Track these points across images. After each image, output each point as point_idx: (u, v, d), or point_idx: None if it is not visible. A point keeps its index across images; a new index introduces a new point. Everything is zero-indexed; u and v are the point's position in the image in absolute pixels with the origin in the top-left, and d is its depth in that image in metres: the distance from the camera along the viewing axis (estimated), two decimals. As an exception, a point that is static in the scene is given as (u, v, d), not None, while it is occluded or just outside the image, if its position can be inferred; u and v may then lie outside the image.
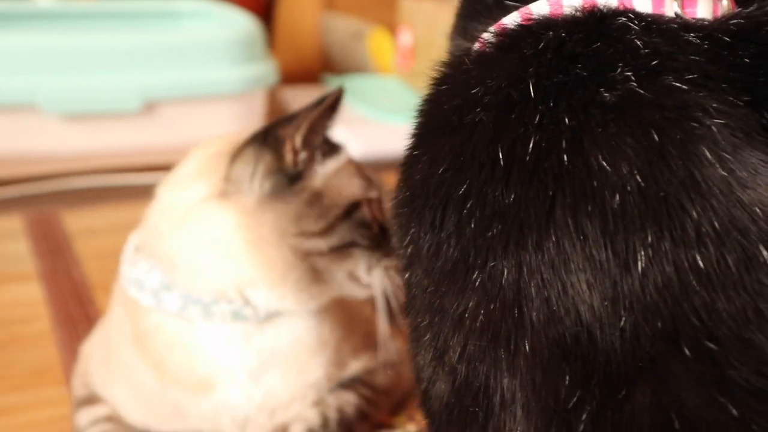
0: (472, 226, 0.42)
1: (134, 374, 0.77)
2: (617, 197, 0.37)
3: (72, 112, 1.67)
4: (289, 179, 0.71)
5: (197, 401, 0.75)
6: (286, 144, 0.72)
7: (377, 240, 0.74)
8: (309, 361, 0.77)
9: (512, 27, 0.46)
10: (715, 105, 0.38)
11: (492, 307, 0.40)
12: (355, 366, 0.80)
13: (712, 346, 0.35)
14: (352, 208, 0.73)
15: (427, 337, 0.45)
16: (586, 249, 0.38)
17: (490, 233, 0.41)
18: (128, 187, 1.59)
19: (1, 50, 1.67)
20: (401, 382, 0.84)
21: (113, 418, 0.78)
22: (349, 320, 0.80)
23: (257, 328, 0.74)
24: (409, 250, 0.47)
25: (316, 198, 0.72)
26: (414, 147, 0.48)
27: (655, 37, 0.40)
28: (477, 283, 0.41)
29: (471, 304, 0.41)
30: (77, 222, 1.41)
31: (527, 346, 0.39)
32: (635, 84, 0.39)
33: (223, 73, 1.73)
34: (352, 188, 0.74)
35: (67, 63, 1.69)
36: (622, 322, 0.37)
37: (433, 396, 0.46)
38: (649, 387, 0.36)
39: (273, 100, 1.98)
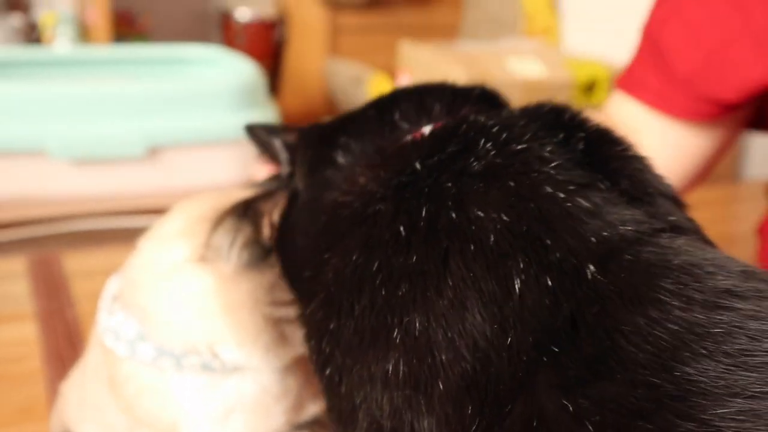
0: (383, 293, 0.48)
1: (107, 416, 0.80)
2: (492, 237, 0.45)
3: (79, 157, 1.74)
4: (265, 252, 0.75)
5: None
6: (264, 219, 0.76)
7: None
8: (273, 408, 0.80)
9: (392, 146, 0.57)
10: (547, 154, 0.50)
11: (411, 357, 0.45)
12: (313, 409, 0.83)
13: (555, 349, 0.41)
14: None
15: (360, 413, 0.50)
16: (476, 285, 0.45)
17: (400, 292, 0.47)
18: (129, 230, 1.64)
19: (16, 98, 1.76)
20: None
21: (85, 455, 0.81)
22: (308, 367, 0.83)
23: (223, 378, 0.78)
24: (327, 348, 0.52)
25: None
26: (322, 252, 0.55)
27: (499, 121, 0.54)
28: (397, 340, 0.46)
29: (394, 360, 0.46)
30: (76, 263, 1.46)
31: (441, 386, 0.44)
32: (494, 153, 0.50)
33: (224, 119, 1.79)
34: None
35: (77, 110, 1.76)
36: (509, 340, 0.43)
37: None
38: (522, 397, 0.41)
39: (275, 144, 2.03)
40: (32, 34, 2.43)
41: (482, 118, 0.54)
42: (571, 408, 0.39)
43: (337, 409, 0.53)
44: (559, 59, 2.19)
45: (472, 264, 0.45)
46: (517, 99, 0.97)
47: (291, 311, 0.75)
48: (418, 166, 0.51)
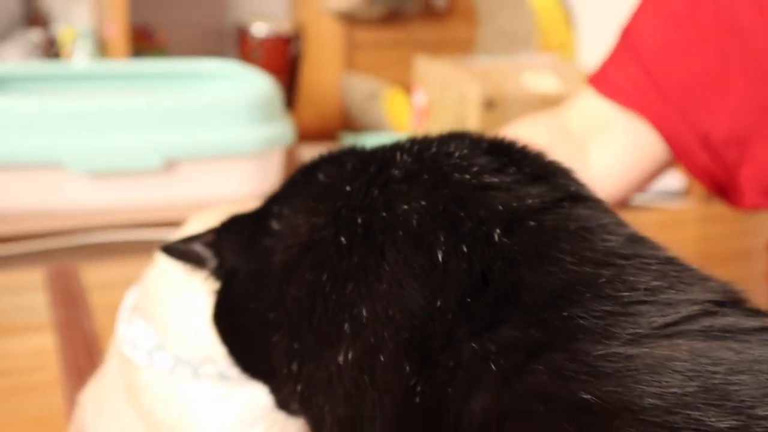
0: (334, 297, 0.55)
1: (125, 425, 0.81)
2: (414, 222, 0.53)
3: (97, 170, 1.76)
4: None
5: None
6: None
7: None
8: (289, 418, 0.80)
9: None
10: (453, 149, 0.58)
11: (357, 343, 0.52)
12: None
13: (468, 300, 0.49)
14: None
15: (326, 414, 0.57)
16: (408, 264, 0.52)
17: (348, 291, 0.54)
18: (145, 242, 1.66)
19: (34, 112, 1.77)
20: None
21: (103, 464, 0.82)
22: None
23: (240, 387, 0.78)
24: (295, 366, 0.59)
25: None
26: (281, 285, 0.62)
27: (410, 140, 0.63)
28: (348, 332, 0.53)
29: (343, 351, 0.53)
30: (94, 275, 1.47)
31: (382, 358, 0.51)
32: (410, 161, 0.59)
33: (241, 133, 1.80)
34: None
35: (94, 123, 1.78)
36: (438, 304, 0.49)
37: None
38: (449, 349, 0.48)
39: (291, 159, 2.05)
40: (51, 49, 2.46)
41: (395, 144, 0.64)
42: (478, 351, 0.46)
43: (313, 425, 0.60)
44: (575, 74, 2.19)
45: (403, 248, 0.52)
46: (533, 114, 0.97)
47: None
48: (348, 188, 0.59)
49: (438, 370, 0.47)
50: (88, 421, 0.85)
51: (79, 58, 2.37)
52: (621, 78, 0.91)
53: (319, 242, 0.59)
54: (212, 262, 0.73)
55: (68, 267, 1.50)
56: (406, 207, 0.54)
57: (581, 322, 0.44)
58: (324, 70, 2.65)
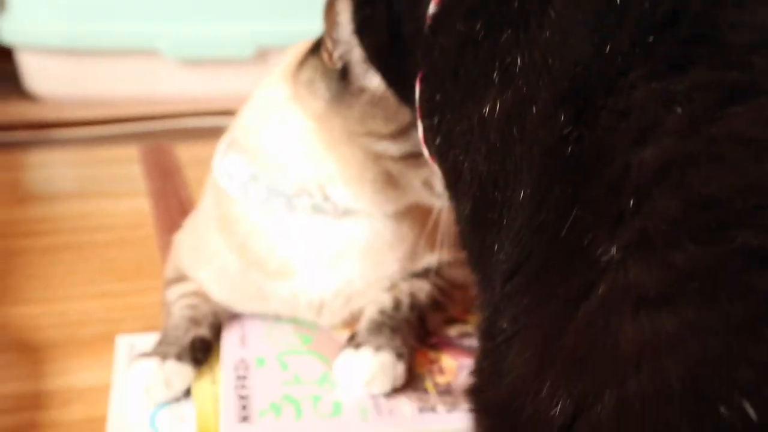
0: (486, 45, 0.50)
1: (219, 258, 0.81)
2: None
3: (190, 57, 1.77)
4: (342, 80, 0.72)
5: (276, 285, 0.79)
6: (324, 44, 0.72)
7: None
8: (386, 255, 0.79)
9: None
10: None
11: (507, 92, 0.48)
12: (430, 258, 0.82)
13: (650, 39, 0.42)
14: None
15: (464, 170, 0.53)
16: (579, 6, 0.46)
17: (503, 38, 0.49)
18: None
19: (129, -1, 1.79)
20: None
21: (199, 294, 0.83)
22: (426, 219, 0.82)
23: (336, 222, 0.77)
24: (436, 118, 0.55)
25: (381, 100, 0.72)
26: (429, 36, 0.57)
27: None
28: (496, 81, 0.48)
29: (491, 101, 0.49)
30: (188, 153, 1.49)
31: (533, 109, 0.46)
32: None
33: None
34: None
35: (189, 11, 1.78)
36: (607, 48, 0.43)
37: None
38: (613, 94, 0.42)
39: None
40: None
41: None
42: (659, 92, 0.40)
43: (447, 179, 0.56)
44: None
45: None
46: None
47: (392, 147, 0.73)
48: None
49: (600, 116, 0.43)
50: (184, 258, 0.86)
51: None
52: None
53: None
54: None
55: (163, 145, 1.52)
56: None
57: None
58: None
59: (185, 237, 0.88)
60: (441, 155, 0.56)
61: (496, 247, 0.48)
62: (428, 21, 0.57)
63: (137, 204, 1.23)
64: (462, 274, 0.84)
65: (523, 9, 0.48)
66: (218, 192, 0.82)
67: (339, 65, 0.71)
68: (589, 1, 0.46)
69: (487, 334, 0.49)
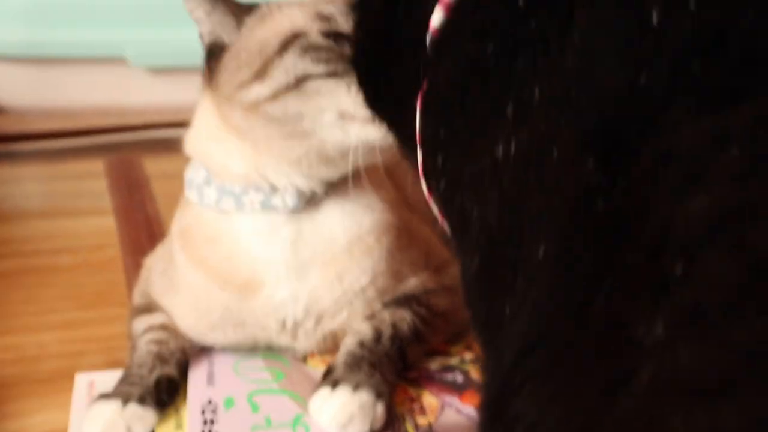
0: (498, 73, 0.43)
1: (185, 279, 0.77)
2: None
3: (158, 65, 1.71)
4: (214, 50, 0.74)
5: (245, 303, 0.75)
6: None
7: (341, 61, 0.67)
8: (348, 263, 0.74)
9: None
10: None
11: (523, 131, 0.41)
12: (413, 282, 0.78)
13: (696, 63, 0.35)
14: (290, 41, 0.68)
15: (472, 220, 0.46)
16: (605, 28, 0.39)
17: (518, 66, 0.42)
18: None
19: (94, 5, 1.73)
20: (461, 308, 0.81)
21: (167, 327, 0.78)
22: (404, 232, 0.77)
23: (287, 219, 0.73)
24: (440, 158, 0.48)
25: (240, 50, 0.70)
26: (432, 55, 0.50)
27: None
28: (509, 116, 0.41)
29: (504, 141, 0.42)
30: (156, 166, 1.43)
31: (555, 152, 0.39)
32: None
33: None
34: (284, 24, 0.69)
35: (157, 18, 1.72)
36: (641, 80, 0.36)
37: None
38: (654, 135, 0.35)
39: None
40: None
41: None
42: (713, 130, 0.33)
43: (452, 227, 0.49)
44: None
45: (603, 9, 0.39)
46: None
47: (261, 87, 0.69)
48: None
49: (637, 162, 0.36)
50: (155, 282, 0.81)
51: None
52: None
53: (486, 4, 0.46)
54: None
55: (129, 158, 1.46)
56: None
57: None
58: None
59: (156, 261, 0.84)
60: (445, 200, 0.50)
61: (507, 311, 0.42)
62: (433, 33, 0.50)
63: (102, 222, 1.17)
64: (445, 302, 0.79)
65: (542, 30, 0.42)
66: (182, 203, 0.80)
67: (207, 40, 0.74)
68: (619, 22, 0.39)
69: (494, 415, 0.42)
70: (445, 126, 0.48)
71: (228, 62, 0.71)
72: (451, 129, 0.47)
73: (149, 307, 0.80)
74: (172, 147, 1.54)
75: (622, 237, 0.35)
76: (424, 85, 0.50)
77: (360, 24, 0.59)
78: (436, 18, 0.50)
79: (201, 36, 0.75)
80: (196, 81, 1.77)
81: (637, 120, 0.36)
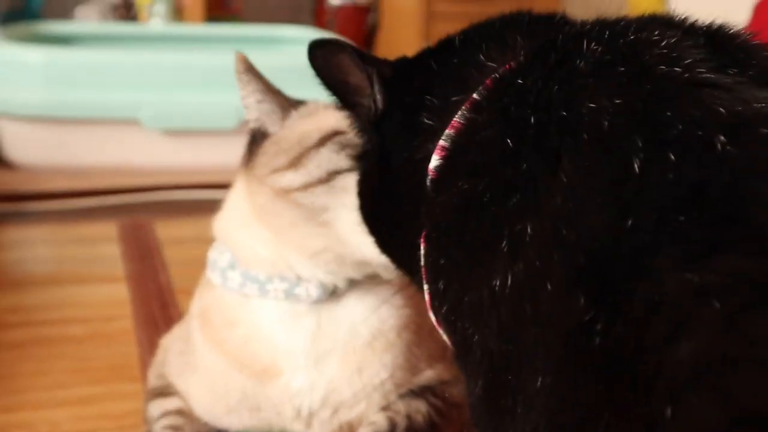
0: (492, 209, 0.46)
1: (203, 360, 0.77)
2: (605, 123, 0.42)
3: (172, 128, 1.73)
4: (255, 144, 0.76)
5: (262, 388, 0.75)
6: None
7: None
8: (369, 357, 0.74)
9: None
10: (657, 37, 0.46)
11: (518, 265, 0.44)
12: (429, 374, 0.78)
13: (680, 218, 0.38)
14: (330, 136, 0.71)
15: (474, 345, 0.48)
16: (591, 174, 0.42)
17: (510, 203, 0.45)
18: (218, 202, 1.62)
19: (110, 68, 1.76)
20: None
21: (183, 412, 0.77)
22: (423, 326, 0.78)
23: (309, 309, 0.74)
24: (442, 285, 0.51)
25: (279, 139, 0.74)
26: (430, 191, 0.53)
27: (598, 25, 0.50)
28: (505, 250, 0.44)
29: (501, 274, 0.44)
30: (167, 231, 1.44)
31: (549, 286, 0.42)
32: (600, 50, 0.47)
33: (315, 97, 1.75)
34: (328, 121, 0.72)
35: (171, 81, 1.75)
36: (628, 223, 0.39)
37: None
38: (643, 279, 0.38)
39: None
40: (129, 12, 2.45)
41: (577, 27, 0.51)
42: (693, 283, 0.36)
43: (456, 350, 0.52)
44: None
45: (586, 155, 0.43)
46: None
47: (293, 176, 0.71)
48: (520, 82, 0.49)
49: (628, 304, 0.38)
50: (171, 363, 0.81)
51: (155, 21, 2.36)
52: None
53: (479, 144, 0.49)
54: (379, 104, 0.59)
55: (141, 222, 1.47)
56: (593, 105, 0.44)
57: None
58: (401, 41, 2.59)
59: (173, 342, 0.84)
60: (449, 325, 0.52)
61: None
62: (430, 173, 0.53)
63: (114, 290, 1.18)
64: (460, 393, 0.79)
65: (531, 170, 0.45)
66: (203, 282, 0.81)
67: (253, 126, 0.76)
68: (603, 167, 0.42)
69: None
70: (445, 256, 0.51)
71: (268, 147, 0.74)
72: (450, 258, 0.50)
73: (165, 390, 0.80)
74: (183, 209, 1.56)
75: (615, 374, 0.38)
76: (427, 223, 0.53)
77: (362, 178, 0.63)
78: (434, 161, 0.53)
79: (248, 121, 0.77)
80: (207, 143, 1.80)
81: (624, 261, 0.39)
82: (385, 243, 0.62)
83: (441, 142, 0.52)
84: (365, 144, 0.61)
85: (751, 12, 0.89)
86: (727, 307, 0.35)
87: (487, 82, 0.52)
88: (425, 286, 0.54)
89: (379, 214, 0.61)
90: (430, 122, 0.54)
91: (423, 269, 0.54)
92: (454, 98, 0.53)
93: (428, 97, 0.56)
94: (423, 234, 0.53)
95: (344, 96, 0.60)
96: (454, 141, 0.52)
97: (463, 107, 0.52)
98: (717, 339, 0.35)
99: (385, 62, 0.60)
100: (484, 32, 0.58)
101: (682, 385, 0.35)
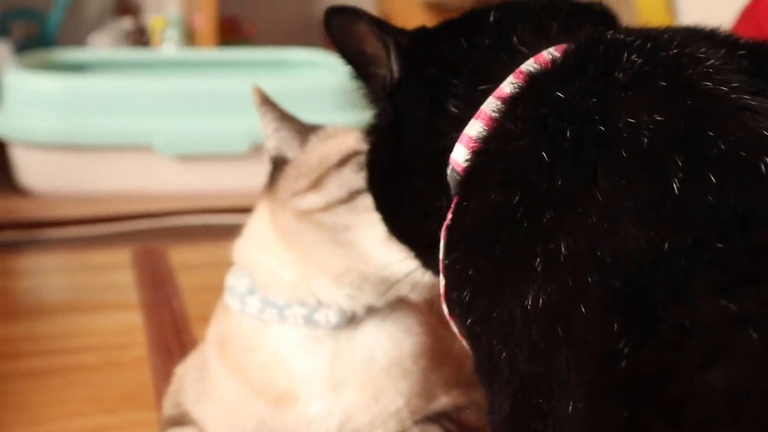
0: (525, 224, 0.45)
1: (220, 388, 0.77)
2: (645, 140, 0.41)
3: (184, 153, 1.74)
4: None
5: (279, 415, 0.75)
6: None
7: None
8: (386, 385, 0.74)
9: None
10: (702, 54, 0.45)
11: (551, 285, 0.43)
12: (444, 401, 0.77)
13: (719, 245, 0.37)
14: (350, 157, 0.72)
15: (501, 364, 0.47)
16: (628, 193, 0.41)
17: (544, 220, 0.44)
18: (231, 227, 1.62)
19: (123, 95, 1.77)
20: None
21: (198, 442, 0.77)
22: (439, 353, 0.78)
23: (328, 335, 0.74)
24: (467, 296, 0.49)
25: (301, 162, 0.75)
26: (465, 199, 0.51)
27: (640, 34, 0.49)
28: (539, 269, 0.43)
29: (533, 293, 0.43)
30: (181, 257, 1.44)
31: (582, 309, 0.41)
32: (640, 62, 0.45)
33: (328, 120, 1.76)
34: (347, 142, 0.73)
35: (183, 107, 1.77)
36: (665, 246, 0.39)
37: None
38: (677, 304, 0.37)
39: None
40: (142, 38, 2.48)
41: (620, 35, 0.50)
42: (732, 310, 0.35)
43: (480, 364, 0.50)
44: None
45: (624, 172, 0.42)
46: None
47: (315, 197, 0.72)
48: (559, 94, 0.47)
49: (661, 330, 0.37)
50: (187, 391, 0.81)
51: (168, 46, 2.38)
52: None
53: (512, 154, 0.47)
54: (395, 73, 0.58)
55: (155, 248, 1.48)
56: (631, 120, 0.42)
57: None
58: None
59: (188, 370, 0.84)
60: (473, 337, 0.50)
61: None
62: (456, 167, 0.51)
63: (128, 318, 1.18)
64: (475, 418, 0.79)
65: (566, 186, 0.44)
66: (219, 308, 0.81)
67: (273, 154, 0.77)
68: (640, 185, 0.41)
69: None
70: (473, 267, 0.49)
71: (289, 172, 0.75)
72: (479, 270, 0.49)
73: (181, 419, 0.80)
74: (196, 235, 1.57)
75: (645, 400, 0.37)
76: (449, 218, 0.51)
77: (371, 151, 0.62)
78: (460, 155, 0.51)
79: (261, 146, 0.79)
80: (220, 168, 1.81)
81: (661, 285, 0.38)
82: (392, 217, 0.61)
83: (468, 134, 0.51)
84: (378, 115, 0.60)
85: (738, 14, 0.88)
86: (765, 336, 0.34)
87: (519, 75, 0.50)
88: (441, 281, 0.53)
89: (389, 188, 0.60)
90: (455, 110, 0.53)
91: (442, 268, 0.53)
92: (482, 87, 0.52)
93: (454, 81, 0.54)
94: (444, 230, 0.52)
95: (360, 66, 0.58)
96: (485, 141, 0.50)
97: (493, 100, 0.50)
98: (754, 368, 0.34)
99: (402, 31, 0.59)
100: (521, 12, 0.55)
101: (715, 413, 0.34)
